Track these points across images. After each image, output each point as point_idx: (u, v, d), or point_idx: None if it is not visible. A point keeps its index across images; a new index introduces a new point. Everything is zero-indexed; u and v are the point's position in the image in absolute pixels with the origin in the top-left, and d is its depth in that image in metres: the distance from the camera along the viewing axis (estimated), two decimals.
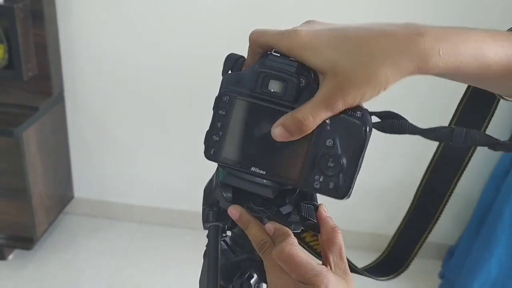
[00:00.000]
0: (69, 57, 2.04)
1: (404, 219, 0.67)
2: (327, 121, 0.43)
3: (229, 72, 0.48)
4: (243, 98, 0.45)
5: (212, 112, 0.47)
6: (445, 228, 2.29)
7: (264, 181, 0.48)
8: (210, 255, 0.52)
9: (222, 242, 0.60)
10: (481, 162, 2.10)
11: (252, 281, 0.57)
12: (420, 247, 0.66)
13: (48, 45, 1.90)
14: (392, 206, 2.23)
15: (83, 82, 2.09)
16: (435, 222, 0.64)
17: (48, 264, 2.07)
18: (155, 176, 2.30)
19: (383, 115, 0.46)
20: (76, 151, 2.26)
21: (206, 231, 0.61)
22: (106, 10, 1.94)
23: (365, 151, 0.44)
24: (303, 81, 0.44)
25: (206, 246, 0.62)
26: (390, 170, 2.18)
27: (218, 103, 0.46)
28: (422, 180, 0.65)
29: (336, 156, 0.44)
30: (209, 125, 0.47)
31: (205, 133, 0.48)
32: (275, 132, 0.43)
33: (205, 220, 0.55)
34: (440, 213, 0.64)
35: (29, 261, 2.07)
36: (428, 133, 0.44)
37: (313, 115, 0.41)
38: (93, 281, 2.04)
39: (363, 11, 1.87)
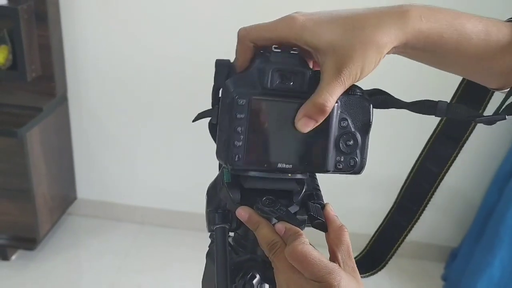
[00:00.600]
0: (72, 58, 2.04)
1: (386, 217, 0.67)
2: (337, 103, 0.46)
3: (225, 80, 0.48)
4: (260, 97, 0.45)
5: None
6: (448, 230, 2.28)
7: (289, 175, 0.49)
8: (218, 257, 0.51)
9: None
10: (484, 164, 2.09)
11: (254, 281, 0.56)
12: (399, 246, 0.66)
13: (52, 46, 1.91)
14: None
15: (87, 83, 2.10)
16: (416, 221, 0.66)
17: (51, 264, 2.08)
18: (157, 178, 2.30)
19: (370, 92, 0.50)
20: (79, 152, 2.27)
21: (208, 232, 0.61)
22: (109, 12, 1.95)
23: (371, 124, 0.48)
24: (310, 71, 0.46)
25: (209, 247, 0.62)
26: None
27: (234, 108, 0.45)
28: (406, 179, 0.68)
29: (352, 134, 0.47)
30: (221, 132, 0.47)
31: (222, 142, 0.47)
32: (300, 123, 0.45)
33: (211, 222, 0.55)
34: (421, 212, 0.65)
35: (32, 261, 2.08)
36: (412, 106, 0.48)
37: (331, 94, 0.43)
38: (95, 281, 2.04)
39: None
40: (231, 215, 0.55)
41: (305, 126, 0.44)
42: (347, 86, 0.44)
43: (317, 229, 0.50)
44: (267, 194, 0.50)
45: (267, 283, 0.60)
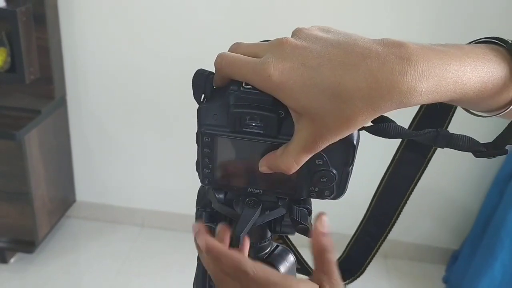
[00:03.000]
0: (71, 61, 2.04)
1: (359, 225, 0.66)
2: None
3: (202, 95, 0.46)
4: (225, 135, 0.44)
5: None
6: (449, 232, 2.27)
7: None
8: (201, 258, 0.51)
9: None
10: (484, 167, 2.08)
11: None
12: (373, 255, 0.65)
13: (51, 49, 1.90)
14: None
15: (86, 85, 2.10)
16: (388, 232, 0.64)
17: (49, 267, 2.07)
18: (157, 180, 2.29)
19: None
20: (78, 155, 2.26)
21: None
22: (108, 14, 1.94)
23: (355, 159, 0.45)
24: (282, 112, 0.42)
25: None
26: None
27: (201, 142, 0.45)
28: (376, 191, 0.65)
29: (327, 172, 0.45)
30: (197, 156, 0.47)
31: (195, 162, 0.48)
32: (262, 169, 0.43)
33: (197, 220, 0.55)
34: (393, 223, 0.63)
35: (31, 264, 2.07)
36: (414, 135, 0.43)
37: (296, 161, 0.41)
38: (95, 284, 2.03)
39: (360, 13, 1.87)
40: (219, 215, 0.54)
41: (266, 172, 0.43)
42: (318, 151, 0.40)
43: (300, 234, 0.49)
44: (252, 195, 0.49)
45: None
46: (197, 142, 0.46)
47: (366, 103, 0.35)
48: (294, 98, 0.38)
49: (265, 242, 0.58)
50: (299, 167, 0.42)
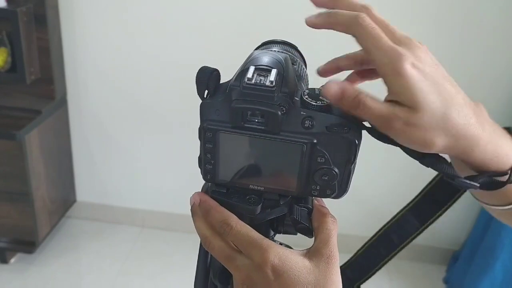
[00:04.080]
0: (72, 61, 2.04)
1: (366, 243, 0.67)
2: (314, 140, 0.44)
3: (205, 91, 0.47)
4: (226, 131, 0.44)
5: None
6: (450, 233, 2.27)
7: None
8: (200, 258, 0.51)
9: None
10: None
11: None
12: (374, 273, 0.66)
13: (51, 49, 1.90)
14: None
15: (86, 86, 2.10)
16: (394, 255, 0.68)
17: (50, 268, 2.07)
18: (157, 180, 2.29)
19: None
20: (78, 155, 2.26)
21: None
22: (109, 15, 1.94)
23: (356, 158, 0.45)
24: (284, 109, 0.43)
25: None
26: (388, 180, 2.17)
27: (203, 137, 0.45)
28: (396, 214, 0.69)
29: (328, 170, 0.45)
30: (199, 151, 0.47)
31: (197, 158, 0.47)
32: (331, 89, 0.43)
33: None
34: (399, 250, 0.68)
35: (31, 264, 2.07)
36: (405, 148, 0.45)
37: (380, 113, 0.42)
38: (95, 285, 2.03)
39: None
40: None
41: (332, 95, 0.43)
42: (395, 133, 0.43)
43: (301, 233, 0.49)
44: (253, 192, 0.49)
45: None
46: (199, 137, 0.46)
47: (453, 137, 0.41)
48: (418, 92, 0.40)
49: None
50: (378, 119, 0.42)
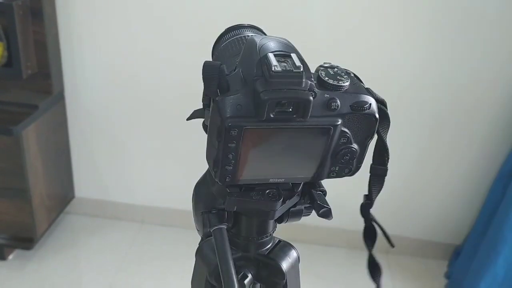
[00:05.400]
0: (69, 55, 2.02)
1: None
2: (339, 121, 0.43)
3: (216, 85, 0.43)
4: (253, 127, 0.41)
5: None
6: (451, 228, 2.25)
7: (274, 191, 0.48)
8: (223, 261, 0.47)
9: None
10: (487, 161, 2.06)
11: (246, 281, 0.54)
12: None
13: (48, 43, 1.88)
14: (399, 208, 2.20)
15: (84, 80, 2.08)
16: None
17: (48, 264, 2.05)
18: (157, 176, 2.27)
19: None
20: (77, 150, 2.24)
21: (201, 236, 0.57)
22: (107, 8, 1.92)
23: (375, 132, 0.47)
24: (313, 94, 0.41)
25: (199, 244, 0.59)
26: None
27: (225, 137, 0.41)
28: None
29: (350, 149, 0.46)
30: (212, 147, 0.44)
31: (212, 157, 0.44)
32: None
33: (207, 225, 0.51)
34: None
35: (30, 261, 2.05)
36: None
37: None
38: (94, 281, 2.02)
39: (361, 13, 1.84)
40: (226, 214, 0.52)
41: None
42: None
43: (323, 217, 0.48)
44: (272, 186, 0.48)
45: (260, 283, 0.57)
46: (218, 138, 0.42)
47: None
48: None
49: (266, 237, 0.56)
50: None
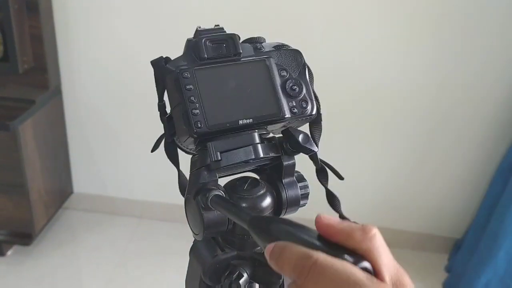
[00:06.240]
0: (66, 49, 2.00)
1: None
2: (271, 57, 0.53)
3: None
4: (200, 67, 0.50)
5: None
6: (452, 221, 2.25)
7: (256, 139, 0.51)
8: (233, 209, 0.45)
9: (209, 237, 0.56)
10: (488, 155, 2.05)
11: (241, 281, 0.52)
12: None
13: (44, 37, 1.86)
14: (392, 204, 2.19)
15: (81, 74, 2.06)
16: None
17: (47, 260, 2.05)
18: (155, 170, 2.26)
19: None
20: (74, 146, 2.23)
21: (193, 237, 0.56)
22: (103, 1, 1.90)
23: (308, 68, 0.54)
24: (238, 36, 0.52)
25: (194, 242, 0.58)
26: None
27: (181, 82, 0.49)
28: None
29: (293, 79, 0.53)
30: (177, 111, 0.50)
31: (181, 117, 0.49)
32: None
33: (204, 200, 0.49)
34: None
35: (28, 257, 2.05)
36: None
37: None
38: (93, 276, 2.01)
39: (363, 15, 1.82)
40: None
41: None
42: None
43: (304, 144, 0.51)
44: (245, 127, 0.52)
45: (256, 282, 0.56)
46: (176, 89, 0.49)
47: None
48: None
49: None
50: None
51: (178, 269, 2.02)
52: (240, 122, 0.49)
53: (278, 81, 0.52)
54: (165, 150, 0.59)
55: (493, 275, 1.82)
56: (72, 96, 2.10)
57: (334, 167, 0.58)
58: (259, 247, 0.55)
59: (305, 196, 0.55)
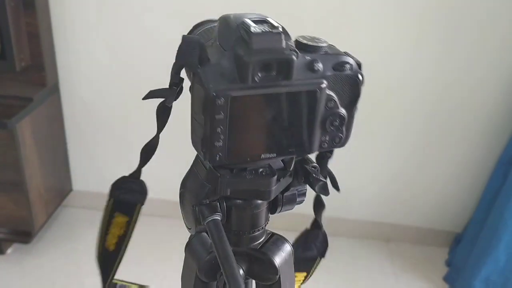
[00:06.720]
0: (63, 47, 1.99)
1: None
2: (324, 83, 0.42)
3: (199, 61, 0.42)
4: (239, 94, 0.40)
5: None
6: (452, 215, 2.24)
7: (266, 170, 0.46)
8: (222, 253, 0.44)
9: (204, 234, 0.56)
10: (487, 149, 2.05)
11: None
12: None
13: (41, 35, 1.85)
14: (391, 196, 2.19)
15: (79, 72, 2.05)
16: None
17: (47, 257, 2.04)
18: (154, 167, 2.24)
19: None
20: (73, 143, 2.22)
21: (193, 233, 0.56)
22: None
23: (359, 97, 0.46)
24: (295, 54, 0.40)
25: (189, 238, 0.58)
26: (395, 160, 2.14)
27: (211, 107, 0.40)
28: None
29: (337, 113, 0.45)
30: (197, 125, 0.43)
31: (199, 137, 0.43)
32: None
33: (200, 217, 0.49)
34: None
35: (28, 255, 2.04)
36: None
37: None
38: (93, 274, 1.99)
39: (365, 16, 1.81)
40: (219, 205, 0.50)
41: None
42: None
43: (319, 192, 0.48)
44: (263, 164, 0.47)
45: (252, 278, 0.55)
46: (204, 112, 0.41)
47: None
48: None
49: (258, 230, 0.54)
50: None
51: (177, 265, 2.03)
52: (263, 156, 0.44)
53: (321, 113, 0.44)
54: (158, 111, 0.53)
55: (493, 268, 1.82)
56: (70, 93, 2.09)
57: (336, 165, 0.56)
58: (255, 243, 0.55)
59: (302, 193, 0.53)
